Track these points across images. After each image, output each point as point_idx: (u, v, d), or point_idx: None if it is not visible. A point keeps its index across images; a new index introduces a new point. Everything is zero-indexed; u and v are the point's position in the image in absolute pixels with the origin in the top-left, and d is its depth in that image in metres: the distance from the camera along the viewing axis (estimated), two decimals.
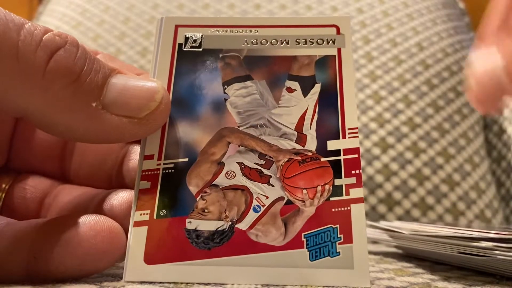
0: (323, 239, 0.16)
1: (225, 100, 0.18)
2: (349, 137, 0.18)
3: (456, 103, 0.61)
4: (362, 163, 0.55)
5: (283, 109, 0.18)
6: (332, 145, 0.18)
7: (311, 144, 0.18)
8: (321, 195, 0.17)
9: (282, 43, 0.19)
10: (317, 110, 0.18)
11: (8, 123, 0.20)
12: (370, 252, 0.27)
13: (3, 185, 0.20)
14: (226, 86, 0.19)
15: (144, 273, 0.16)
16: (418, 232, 0.21)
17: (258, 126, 0.18)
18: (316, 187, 0.17)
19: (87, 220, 0.15)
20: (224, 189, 0.17)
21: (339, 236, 0.16)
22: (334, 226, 0.16)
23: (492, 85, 0.18)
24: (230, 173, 0.17)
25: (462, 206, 0.54)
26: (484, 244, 0.17)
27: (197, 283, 0.15)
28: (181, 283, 0.15)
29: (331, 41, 0.19)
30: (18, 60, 0.14)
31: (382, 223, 0.26)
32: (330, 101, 0.18)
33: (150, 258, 0.16)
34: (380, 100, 0.59)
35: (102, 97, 0.15)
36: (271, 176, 0.17)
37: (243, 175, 0.17)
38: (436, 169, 0.55)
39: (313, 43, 0.19)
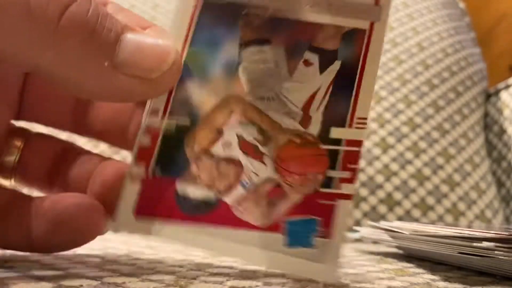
0: (302, 229, 0.16)
1: (238, 64, 0.17)
2: (356, 127, 0.17)
3: (457, 103, 0.61)
4: (362, 163, 0.55)
5: (295, 85, 0.17)
6: (335, 133, 0.17)
7: (315, 128, 0.17)
8: (311, 183, 0.16)
9: (312, 6, 0.17)
10: (329, 91, 0.17)
11: (18, 76, 0.20)
12: (371, 252, 0.27)
13: (18, 143, 0.20)
14: (242, 48, 0.17)
15: (133, 226, 0.16)
16: (419, 232, 0.21)
17: (265, 99, 0.17)
18: (308, 174, 0.16)
19: (72, 201, 0.18)
20: (218, 159, 0.17)
21: (319, 229, 0.16)
22: (316, 218, 0.16)
23: None
24: (227, 143, 0.17)
25: (463, 206, 0.54)
26: (484, 244, 0.17)
27: (178, 244, 0.16)
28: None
29: (365, 12, 0.17)
30: (30, 15, 0.14)
31: (383, 223, 0.26)
32: (346, 83, 0.17)
33: (140, 212, 0.16)
34: (381, 100, 0.59)
35: (114, 56, 0.15)
36: (265, 155, 0.17)
37: (239, 148, 0.17)
38: (436, 169, 0.55)
39: (345, 11, 0.17)
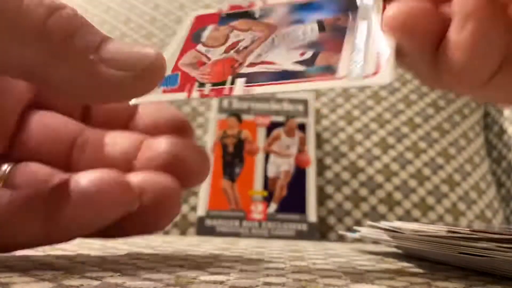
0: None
1: None
2: None
3: (457, 103, 0.61)
4: (363, 163, 0.55)
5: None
6: None
7: None
8: None
9: None
10: None
11: (16, 110, 0.20)
12: (371, 252, 0.27)
13: (4, 168, 0.20)
14: None
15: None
16: (419, 232, 0.21)
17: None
18: None
19: (96, 175, 0.17)
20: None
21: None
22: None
23: None
24: None
25: (463, 206, 0.54)
26: (484, 244, 0.17)
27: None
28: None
29: None
30: (19, 16, 0.15)
31: (383, 223, 0.26)
32: None
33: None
34: (381, 100, 0.59)
35: (100, 51, 0.16)
36: None
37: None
38: (436, 169, 0.55)
39: None
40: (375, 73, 0.16)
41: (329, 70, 0.17)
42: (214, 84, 0.19)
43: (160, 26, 0.67)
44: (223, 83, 0.19)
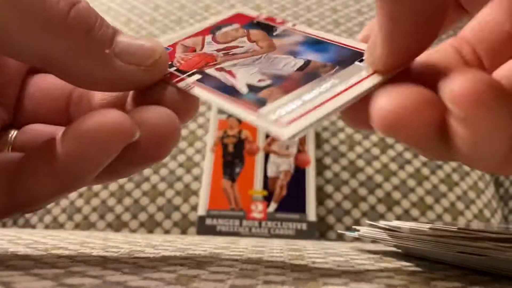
0: None
1: None
2: None
3: None
4: (362, 163, 0.55)
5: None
6: None
7: None
8: None
9: None
10: None
11: (16, 81, 0.22)
12: (369, 251, 0.27)
13: (10, 135, 0.21)
14: None
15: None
16: (418, 232, 0.21)
17: None
18: None
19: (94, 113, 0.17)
20: None
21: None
22: None
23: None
24: None
25: (461, 205, 0.54)
26: (483, 243, 0.17)
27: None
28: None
29: None
30: (44, 8, 0.16)
31: (382, 223, 0.27)
32: None
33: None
34: None
35: (113, 46, 0.18)
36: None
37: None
38: (435, 169, 0.55)
39: None
40: (289, 123, 0.16)
41: (259, 103, 0.17)
42: (178, 70, 0.20)
43: (160, 27, 0.67)
44: (184, 72, 0.20)
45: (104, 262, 0.19)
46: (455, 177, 0.55)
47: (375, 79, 0.17)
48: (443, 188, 0.54)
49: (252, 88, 0.18)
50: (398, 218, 0.52)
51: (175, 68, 0.20)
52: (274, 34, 0.22)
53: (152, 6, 0.69)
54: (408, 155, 0.56)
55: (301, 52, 0.20)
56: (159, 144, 0.18)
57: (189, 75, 0.19)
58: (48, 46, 0.17)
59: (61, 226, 0.53)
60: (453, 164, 0.56)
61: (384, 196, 0.53)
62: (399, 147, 0.56)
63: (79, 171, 0.17)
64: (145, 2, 0.70)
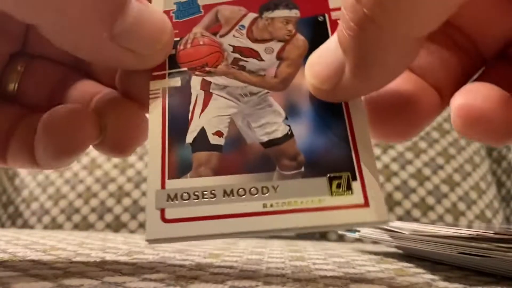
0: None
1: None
2: None
3: None
4: None
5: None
6: None
7: None
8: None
9: None
10: None
11: None
12: (371, 252, 0.27)
13: (19, 67, 0.20)
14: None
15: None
16: (419, 232, 0.21)
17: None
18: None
19: (65, 108, 0.18)
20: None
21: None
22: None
23: (327, 63, 0.15)
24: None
25: (463, 206, 0.54)
26: (484, 244, 0.17)
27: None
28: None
29: None
30: None
31: None
32: None
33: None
34: None
35: (114, 25, 0.15)
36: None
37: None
38: (436, 169, 0.55)
39: None
40: (173, 220, 0.15)
41: (180, 170, 0.15)
42: (171, 58, 0.17)
43: None
44: (175, 64, 0.17)
45: (103, 263, 0.19)
46: (457, 177, 0.55)
47: (339, 217, 0.14)
48: (444, 188, 0.54)
49: (197, 140, 0.16)
50: (399, 218, 0.52)
51: (173, 51, 0.17)
52: None
53: None
54: (409, 155, 0.55)
55: (301, 115, 0.16)
56: (125, 143, 0.18)
57: (172, 74, 0.17)
58: (38, 16, 0.15)
59: (59, 226, 0.53)
60: (455, 164, 0.56)
61: (385, 197, 0.53)
62: (400, 147, 0.56)
63: (43, 159, 0.18)
64: None
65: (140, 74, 0.18)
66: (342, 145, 0.15)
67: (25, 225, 0.55)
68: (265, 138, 0.16)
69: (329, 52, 0.15)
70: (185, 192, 0.15)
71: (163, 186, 0.15)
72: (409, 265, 0.22)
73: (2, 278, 0.15)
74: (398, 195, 0.53)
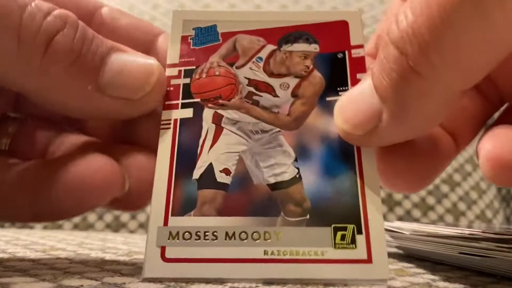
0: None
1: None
2: None
3: None
4: None
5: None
6: None
7: None
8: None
9: None
10: None
11: None
12: None
13: (10, 129, 0.20)
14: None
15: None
16: (419, 232, 0.21)
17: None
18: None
19: (85, 159, 0.16)
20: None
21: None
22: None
23: (361, 109, 0.15)
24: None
25: (463, 206, 0.54)
26: (485, 244, 0.17)
27: None
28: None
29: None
30: (19, 44, 0.14)
31: None
32: None
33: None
34: None
35: (99, 78, 0.15)
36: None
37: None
38: None
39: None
40: (171, 260, 0.15)
41: (183, 208, 0.15)
42: (186, 87, 0.17)
43: (159, 26, 0.67)
44: (188, 95, 0.17)
45: (102, 263, 0.19)
46: (457, 177, 0.55)
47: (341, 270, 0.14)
48: (444, 188, 0.54)
49: (204, 177, 0.15)
50: (400, 219, 0.52)
51: (187, 81, 0.17)
52: (328, 99, 0.16)
53: (151, 6, 0.69)
54: None
55: (311, 157, 0.16)
56: (143, 196, 0.17)
57: (185, 105, 0.17)
58: (23, 82, 0.15)
59: (59, 226, 0.53)
60: (455, 164, 0.56)
61: (385, 197, 0.53)
62: None
63: (57, 211, 0.17)
64: (144, 2, 0.70)
65: (147, 120, 0.17)
66: (351, 195, 0.15)
67: (25, 225, 0.55)
68: (272, 180, 0.16)
69: (363, 97, 0.15)
70: (187, 231, 0.15)
71: (165, 223, 0.15)
72: (409, 265, 0.22)
73: (2, 278, 0.15)
74: (398, 195, 0.53)
